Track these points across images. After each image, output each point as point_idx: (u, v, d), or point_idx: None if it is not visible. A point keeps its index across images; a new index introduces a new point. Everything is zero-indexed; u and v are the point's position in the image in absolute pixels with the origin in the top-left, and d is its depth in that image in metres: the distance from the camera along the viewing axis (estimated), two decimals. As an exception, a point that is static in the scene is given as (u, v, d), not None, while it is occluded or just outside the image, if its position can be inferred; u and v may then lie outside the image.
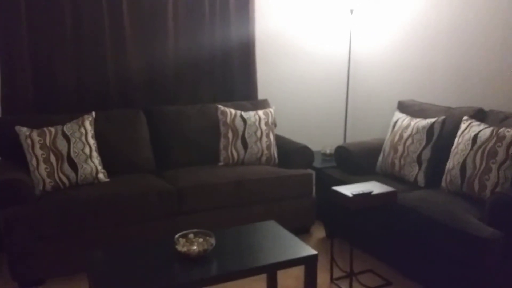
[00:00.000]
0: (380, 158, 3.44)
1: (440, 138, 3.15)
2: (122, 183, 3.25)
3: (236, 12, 4.04)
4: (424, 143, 3.15)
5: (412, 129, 3.23)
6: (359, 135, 4.56)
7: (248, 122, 3.70)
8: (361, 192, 2.75)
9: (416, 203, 2.83)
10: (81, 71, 3.64)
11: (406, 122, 3.32)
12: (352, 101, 4.65)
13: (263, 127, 3.73)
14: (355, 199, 2.71)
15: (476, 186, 2.77)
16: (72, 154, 3.15)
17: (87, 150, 3.22)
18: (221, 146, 3.71)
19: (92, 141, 3.28)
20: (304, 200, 3.60)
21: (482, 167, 2.76)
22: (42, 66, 3.52)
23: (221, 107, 3.77)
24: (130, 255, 2.36)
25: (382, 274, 3.12)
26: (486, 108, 3.24)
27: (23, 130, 3.11)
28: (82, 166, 3.17)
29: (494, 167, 2.71)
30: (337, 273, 3.11)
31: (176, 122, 3.74)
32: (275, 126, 3.92)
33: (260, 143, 3.69)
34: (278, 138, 3.93)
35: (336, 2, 4.45)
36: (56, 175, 3.09)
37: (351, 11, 4.25)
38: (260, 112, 3.79)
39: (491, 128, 2.82)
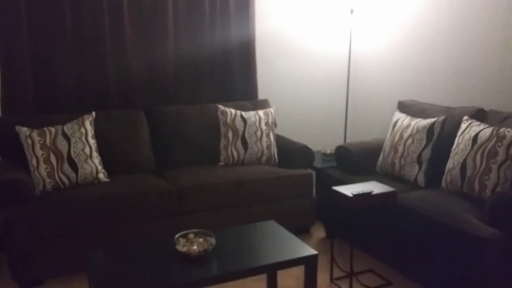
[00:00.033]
0: (380, 158, 3.44)
1: (440, 138, 3.15)
2: (122, 183, 3.25)
3: (236, 12, 4.04)
4: (424, 143, 3.15)
5: (412, 129, 3.23)
6: (359, 135, 4.56)
7: (248, 122, 3.70)
8: (361, 192, 2.75)
9: (416, 203, 2.83)
10: (81, 71, 3.64)
11: (406, 122, 3.32)
12: (352, 101, 4.65)
13: (263, 127, 3.73)
14: (355, 199, 2.71)
15: (476, 186, 2.77)
16: (72, 154, 3.15)
17: (87, 150, 3.22)
18: (221, 146, 3.71)
19: (92, 141, 3.28)
20: (304, 200, 3.60)
21: (482, 167, 2.75)
22: (42, 66, 3.53)
23: (221, 107, 3.77)
24: (130, 255, 2.36)
25: (382, 274, 3.12)
26: (486, 108, 3.24)
27: (23, 130, 3.11)
28: (82, 166, 3.17)
29: (494, 167, 2.71)
30: (337, 273, 3.11)
31: (176, 122, 3.74)
32: (275, 126, 3.92)
33: (260, 143, 3.69)
34: (278, 138, 3.93)
35: (336, 2, 4.45)
36: (56, 175, 3.09)
37: (351, 11, 4.25)
38: (260, 112, 3.79)
39: (491, 128, 2.82)
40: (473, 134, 2.88)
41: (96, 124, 3.40)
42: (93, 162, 3.23)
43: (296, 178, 3.54)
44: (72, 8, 3.53)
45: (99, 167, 3.27)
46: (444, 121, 3.16)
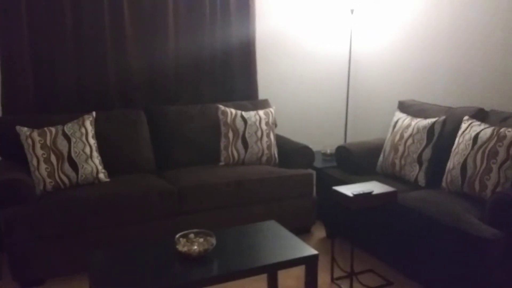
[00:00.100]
0: (381, 158, 3.44)
1: (440, 138, 3.15)
2: (122, 183, 3.25)
3: (237, 12, 4.04)
4: (424, 143, 3.15)
5: (413, 129, 3.22)
6: (359, 135, 4.56)
7: (249, 122, 3.70)
8: (361, 192, 2.75)
9: (416, 203, 2.83)
10: (82, 71, 3.64)
11: (406, 122, 3.32)
12: (352, 101, 4.65)
13: (264, 127, 3.73)
14: (355, 199, 2.71)
15: (477, 186, 2.77)
16: (72, 154, 3.15)
17: (87, 150, 3.22)
18: (222, 146, 3.71)
19: (92, 141, 3.28)
20: (304, 200, 3.60)
21: (483, 167, 2.75)
22: (43, 66, 3.53)
23: (221, 107, 3.77)
24: (130, 255, 2.36)
25: (383, 274, 3.12)
26: (487, 108, 3.23)
27: (24, 130, 3.11)
28: (83, 166, 3.17)
29: (494, 167, 2.71)
30: (337, 273, 3.11)
31: (177, 122, 3.74)
32: (276, 126, 3.92)
33: (261, 143, 3.69)
34: (278, 138, 3.93)
35: (337, 2, 4.45)
36: (56, 175, 3.09)
37: (352, 11, 4.25)
38: (261, 112, 3.79)
39: (491, 128, 2.82)
40: (473, 134, 2.88)
41: (97, 124, 3.40)
42: (93, 162, 3.23)
43: (296, 178, 3.54)
44: (72, 8, 3.54)
45: (100, 167, 3.27)
46: (444, 121, 3.16)
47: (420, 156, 3.15)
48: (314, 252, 2.35)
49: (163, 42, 3.84)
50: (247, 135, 3.67)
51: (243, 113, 3.75)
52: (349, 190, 2.80)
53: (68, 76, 3.59)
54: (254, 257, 2.34)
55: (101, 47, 3.64)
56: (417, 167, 3.16)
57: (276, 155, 3.77)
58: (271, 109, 3.86)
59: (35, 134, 3.10)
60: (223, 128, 3.71)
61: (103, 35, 3.63)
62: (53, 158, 3.09)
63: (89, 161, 3.21)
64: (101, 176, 3.26)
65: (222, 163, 3.69)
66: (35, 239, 2.87)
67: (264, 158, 3.71)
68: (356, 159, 3.50)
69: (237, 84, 4.16)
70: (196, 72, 4.01)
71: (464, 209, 2.69)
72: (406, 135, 3.25)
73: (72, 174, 3.13)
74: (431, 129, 3.15)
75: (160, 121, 3.73)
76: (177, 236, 2.31)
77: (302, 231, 3.68)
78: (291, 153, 3.76)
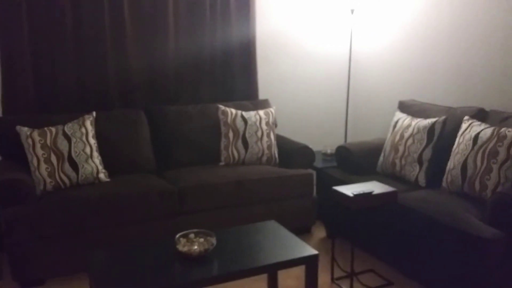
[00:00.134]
0: (381, 158, 3.44)
1: (441, 138, 3.15)
2: (123, 183, 3.25)
3: (237, 12, 4.04)
4: (425, 143, 3.15)
5: (413, 129, 3.22)
6: (360, 135, 4.56)
7: (249, 122, 3.70)
8: (362, 192, 2.74)
9: (417, 203, 2.83)
10: (82, 71, 3.64)
11: (407, 122, 3.32)
12: (352, 101, 4.65)
13: (264, 127, 3.73)
14: (356, 199, 2.71)
15: (477, 186, 2.77)
16: (73, 154, 3.15)
17: (88, 150, 3.22)
18: (222, 146, 3.71)
19: (93, 141, 3.28)
20: (304, 200, 3.60)
21: (483, 167, 2.75)
22: (43, 66, 3.52)
23: (221, 107, 3.77)
24: (131, 255, 2.36)
25: (383, 274, 3.12)
26: (487, 108, 3.23)
27: (24, 130, 3.11)
28: (83, 166, 3.17)
29: (495, 167, 2.71)
30: (338, 273, 3.11)
31: (177, 122, 3.74)
32: (276, 126, 3.92)
33: (261, 143, 3.69)
34: (278, 138, 3.93)
35: (337, 2, 4.45)
36: (57, 175, 3.09)
37: (352, 11, 4.25)
38: (261, 112, 3.79)
39: (492, 128, 2.82)
40: (473, 134, 2.88)
41: (97, 124, 3.40)
42: (93, 162, 3.23)
43: (296, 178, 3.54)
44: (72, 8, 3.53)
45: (100, 167, 3.27)
46: (444, 121, 3.16)
47: (420, 156, 3.15)
48: (314, 252, 2.35)
49: (163, 42, 3.84)
50: (247, 135, 3.67)
51: (243, 113, 3.75)
52: (349, 190, 2.80)
53: (68, 76, 3.59)
54: (254, 257, 2.34)
55: (101, 47, 3.64)
56: (418, 167, 3.16)
57: (276, 155, 3.77)
58: (271, 109, 3.86)
59: (35, 134, 3.10)
60: (223, 128, 3.71)
61: (103, 35, 3.63)
62: (53, 158, 3.09)
63: (90, 161, 3.21)
64: (102, 176, 3.26)
65: (222, 163, 3.69)
66: (35, 239, 2.87)
67: (264, 158, 3.71)
68: (356, 159, 3.49)
69: (237, 84, 4.15)
70: (196, 72, 4.01)
71: (464, 209, 2.69)
72: (406, 135, 3.25)
73: (72, 174, 3.13)
74: (431, 129, 3.15)
75: (160, 121, 3.73)
76: (177, 236, 2.31)
77: (302, 231, 3.68)
78: (291, 153, 3.76)
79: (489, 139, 2.78)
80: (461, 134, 2.98)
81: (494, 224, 2.50)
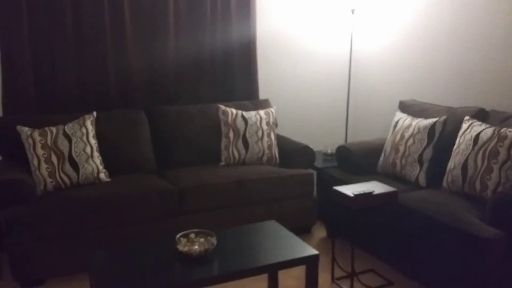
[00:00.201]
0: (381, 158, 3.44)
1: (441, 138, 3.15)
2: (123, 183, 3.25)
3: (237, 12, 4.04)
4: (425, 143, 3.15)
5: (414, 129, 3.22)
6: (360, 135, 4.56)
7: (249, 122, 3.70)
8: (362, 192, 2.74)
9: (417, 203, 2.83)
10: (82, 71, 3.64)
11: (407, 122, 3.31)
12: (353, 101, 4.65)
13: (264, 127, 3.73)
14: (356, 199, 2.71)
15: (478, 186, 2.77)
16: (73, 154, 3.15)
17: (88, 150, 3.22)
18: (222, 146, 3.71)
19: (93, 141, 3.28)
20: (305, 200, 3.60)
21: (484, 167, 2.75)
22: (43, 66, 3.53)
23: (222, 107, 3.77)
24: (131, 255, 2.36)
25: (384, 274, 3.12)
26: (488, 108, 3.23)
27: (25, 130, 3.12)
28: (84, 166, 3.17)
29: (495, 167, 2.70)
30: (338, 273, 3.11)
31: (177, 122, 3.74)
32: (276, 126, 3.92)
33: (261, 143, 3.69)
34: (279, 138, 3.93)
35: (338, 2, 4.45)
36: (57, 175, 3.09)
37: (352, 11, 4.25)
38: (261, 112, 3.79)
39: (492, 128, 2.82)
40: (474, 134, 2.88)
41: (97, 124, 3.40)
42: (94, 162, 3.23)
43: (297, 178, 3.54)
44: (72, 8, 3.53)
45: (100, 167, 3.27)
46: (445, 121, 3.16)
47: (421, 156, 3.15)
48: (315, 252, 2.35)
49: (163, 42, 3.84)
50: (247, 135, 3.67)
51: (244, 113, 3.75)
52: (349, 190, 2.80)
53: (68, 76, 3.59)
54: (254, 257, 2.34)
55: (101, 47, 3.64)
56: (418, 167, 3.16)
57: (277, 155, 3.77)
58: (271, 109, 3.86)
59: (35, 134, 3.10)
60: (223, 128, 3.71)
61: (103, 35, 3.63)
62: (54, 158, 3.09)
63: (90, 161, 3.21)
64: (102, 176, 3.26)
65: (222, 163, 3.69)
66: (36, 239, 2.87)
67: (265, 158, 3.71)
68: (357, 159, 3.49)
69: (238, 84, 4.15)
70: (196, 72, 4.01)
71: (464, 209, 2.69)
72: (407, 135, 3.25)
73: (73, 174, 3.14)
74: (432, 129, 3.15)
75: (160, 121, 3.73)
76: (178, 236, 2.31)
77: (303, 231, 3.68)
78: (292, 153, 3.76)
79: (490, 139, 2.78)
80: (462, 134, 2.98)
81: (495, 224, 2.50)
